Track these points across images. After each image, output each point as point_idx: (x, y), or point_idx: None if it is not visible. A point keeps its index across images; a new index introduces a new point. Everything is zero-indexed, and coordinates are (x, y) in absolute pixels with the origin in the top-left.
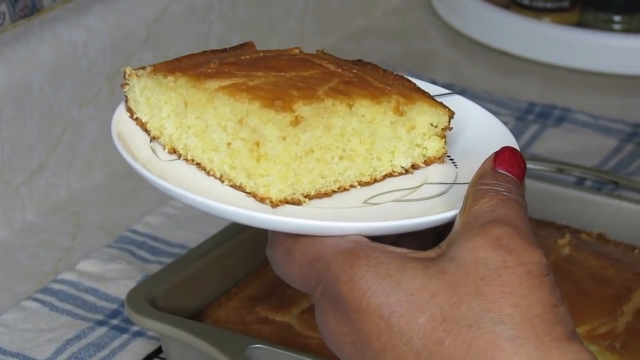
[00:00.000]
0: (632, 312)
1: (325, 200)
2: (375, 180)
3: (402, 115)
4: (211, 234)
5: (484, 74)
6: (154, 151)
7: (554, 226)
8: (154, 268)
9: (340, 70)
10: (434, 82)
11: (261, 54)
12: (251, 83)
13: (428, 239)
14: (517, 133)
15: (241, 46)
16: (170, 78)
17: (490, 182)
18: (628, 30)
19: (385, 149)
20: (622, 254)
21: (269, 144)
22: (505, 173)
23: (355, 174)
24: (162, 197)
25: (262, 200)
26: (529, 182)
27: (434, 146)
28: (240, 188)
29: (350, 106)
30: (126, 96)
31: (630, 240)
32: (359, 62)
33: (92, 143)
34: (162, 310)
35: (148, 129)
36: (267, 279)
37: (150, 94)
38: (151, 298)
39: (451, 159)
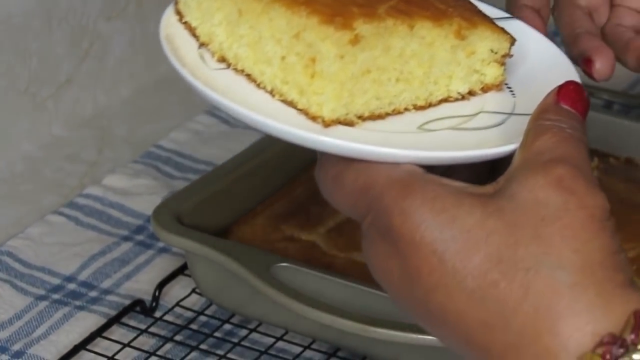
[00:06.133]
0: None
1: (379, 122)
2: (431, 105)
3: (463, 39)
4: (237, 151)
5: None
6: (202, 58)
7: None
8: (179, 184)
9: None
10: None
11: None
12: None
13: (482, 170)
14: None
15: None
16: None
17: (553, 118)
18: None
19: (443, 73)
20: None
21: (325, 62)
22: (569, 109)
23: (410, 97)
24: (188, 113)
25: (313, 118)
26: None
27: (492, 73)
28: (291, 104)
29: (412, 27)
30: None
31: None
32: None
33: (119, 58)
34: (187, 226)
35: (197, 34)
36: (293, 196)
37: None
38: (177, 214)
39: (509, 87)
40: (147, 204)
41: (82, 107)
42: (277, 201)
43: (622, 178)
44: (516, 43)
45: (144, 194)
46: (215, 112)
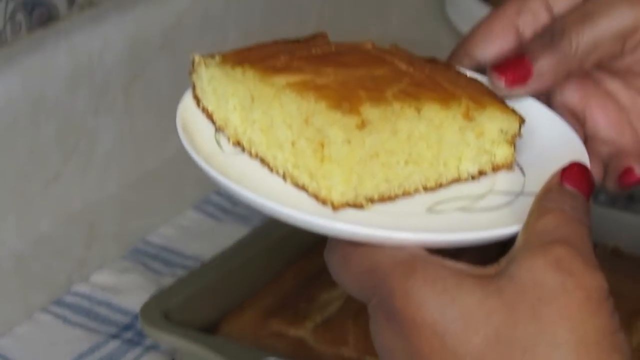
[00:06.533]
0: None
1: (389, 205)
2: (441, 186)
3: (471, 120)
4: (224, 246)
5: None
6: (218, 143)
7: None
8: (168, 280)
9: (411, 69)
10: None
11: (333, 48)
12: (319, 81)
13: (492, 250)
14: None
15: (313, 37)
16: (238, 70)
17: (555, 199)
18: None
19: (452, 154)
20: (637, 268)
21: (334, 146)
22: (572, 190)
23: (420, 179)
24: (176, 208)
25: (323, 202)
26: None
27: (502, 153)
28: (302, 188)
29: (419, 110)
30: (193, 84)
31: None
32: (432, 60)
33: (107, 153)
34: (176, 323)
35: (214, 119)
36: (281, 291)
37: (218, 85)
38: (165, 311)
39: (519, 167)
40: (135, 301)
41: (70, 203)
42: (265, 296)
43: (609, 268)
44: (529, 122)
45: (131, 291)
46: (202, 207)
